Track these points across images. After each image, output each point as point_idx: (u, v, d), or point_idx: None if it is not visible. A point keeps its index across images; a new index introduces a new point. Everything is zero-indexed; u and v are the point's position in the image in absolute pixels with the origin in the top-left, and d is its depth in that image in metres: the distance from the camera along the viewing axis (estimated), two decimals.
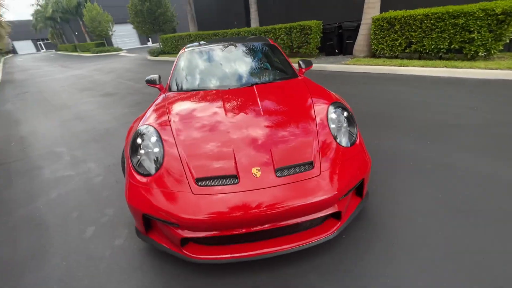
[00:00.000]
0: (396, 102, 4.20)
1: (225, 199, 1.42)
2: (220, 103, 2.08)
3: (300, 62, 3.05)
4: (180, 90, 2.57)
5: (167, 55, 14.57)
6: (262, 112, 1.93)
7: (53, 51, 44.93)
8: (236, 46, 2.97)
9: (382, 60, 6.63)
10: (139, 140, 1.75)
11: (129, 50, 25.58)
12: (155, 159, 1.66)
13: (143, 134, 1.79)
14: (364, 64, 6.68)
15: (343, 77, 6.33)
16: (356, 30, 7.55)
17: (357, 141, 1.80)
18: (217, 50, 2.93)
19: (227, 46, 2.96)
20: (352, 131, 1.84)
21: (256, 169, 1.52)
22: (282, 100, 2.13)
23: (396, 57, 6.83)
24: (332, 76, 6.61)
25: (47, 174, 3.07)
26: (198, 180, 1.50)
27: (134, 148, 1.73)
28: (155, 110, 2.12)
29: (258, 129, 1.78)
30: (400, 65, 6.10)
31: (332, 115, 1.88)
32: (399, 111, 3.81)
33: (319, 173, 1.53)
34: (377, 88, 5.11)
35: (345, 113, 1.92)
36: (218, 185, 1.48)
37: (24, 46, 53.39)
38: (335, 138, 1.75)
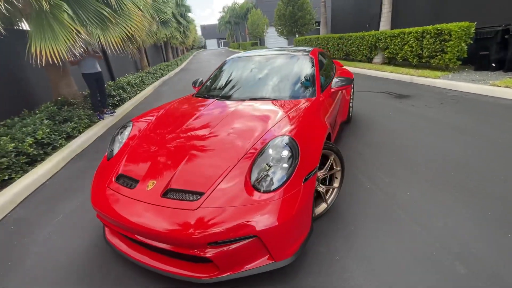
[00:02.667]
0: None
1: (116, 198, 1.60)
2: (195, 113, 2.21)
3: (334, 80, 2.57)
4: (198, 95, 2.86)
5: None
6: (213, 130, 1.91)
7: (226, 47, 57.07)
8: (268, 58, 2.92)
9: None
10: (120, 131, 2.21)
11: None
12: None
13: (125, 127, 2.23)
14: None
15: (475, 104, 4.49)
16: None
17: (280, 189, 1.44)
18: (248, 62, 2.99)
19: (259, 59, 2.96)
20: (283, 175, 1.49)
21: (152, 182, 1.59)
22: (244, 123, 1.98)
23: None
24: (456, 99, 4.83)
25: None
26: (118, 176, 1.76)
27: (114, 136, 2.19)
28: (154, 109, 2.53)
29: (190, 145, 1.80)
30: None
31: (270, 150, 1.59)
32: None
33: (196, 208, 1.40)
34: None
35: (285, 152, 1.56)
36: (122, 185, 1.67)
37: (211, 43, 71.09)
38: (257, 177, 1.49)
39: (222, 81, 2.88)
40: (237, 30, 42.81)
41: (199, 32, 69.83)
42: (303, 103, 2.20)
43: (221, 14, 40.94)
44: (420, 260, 1.61)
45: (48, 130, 3.57)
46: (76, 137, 4.22)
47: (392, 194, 2.27)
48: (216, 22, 54.32)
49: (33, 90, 5.05)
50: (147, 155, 1.85)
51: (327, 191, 2.10)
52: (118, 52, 4.50)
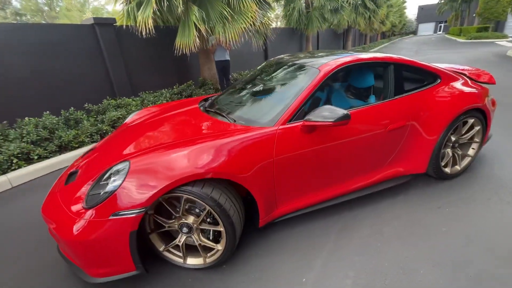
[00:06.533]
0: None
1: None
2: (161, 115, 2.40)
3: (315, 111, 1.73)
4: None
5: None
6: (138, 133, 2.09)
7: (444, 33, 44.93)
8: (281, 68, 2.38)
9: None
10: (131, 114, 2.82)
11: None
12: None
13: (134, 112, 2.79)
14: None
15: None
16: None
17: (87, 211, 1.44)
18: (263, 71, 2.58)
19: (275, 66, 2.47)
20: (97, 199, 1.45)
21: (79, 160, 2.05)
22: (161, 135, 1.97)
23: None
24: None
25: None
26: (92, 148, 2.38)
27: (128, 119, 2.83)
28: (165, 103, 2.91)
29: (116, 140, 2.11)
30: None
31: (111, 170, 1.54)
32: None
33: (57, 191, 1.73)
34: None
35: (112, 178, 1.47)
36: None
37: (426, 28, 58.30)
38: (88, 191, 1.55)
39: (232, 91, 2.75)
40: (466, 10, 32.22)
41: (411, 16, 59.06)
42: (242, 133, 1.72)
43: None
44: None
45: (165, 101, 5.04)
46: None
47: None
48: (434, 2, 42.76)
49: (188, 71, 6.94)
50: (107, 139, 2.34)
51: (209, 248, 1.69)
52: (235, 45, 5.21)
